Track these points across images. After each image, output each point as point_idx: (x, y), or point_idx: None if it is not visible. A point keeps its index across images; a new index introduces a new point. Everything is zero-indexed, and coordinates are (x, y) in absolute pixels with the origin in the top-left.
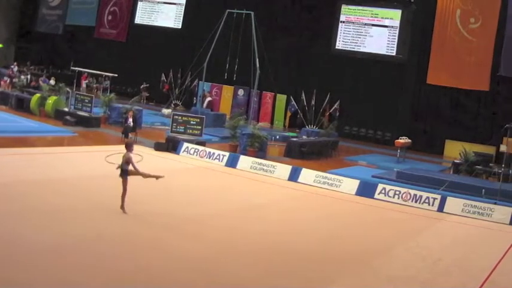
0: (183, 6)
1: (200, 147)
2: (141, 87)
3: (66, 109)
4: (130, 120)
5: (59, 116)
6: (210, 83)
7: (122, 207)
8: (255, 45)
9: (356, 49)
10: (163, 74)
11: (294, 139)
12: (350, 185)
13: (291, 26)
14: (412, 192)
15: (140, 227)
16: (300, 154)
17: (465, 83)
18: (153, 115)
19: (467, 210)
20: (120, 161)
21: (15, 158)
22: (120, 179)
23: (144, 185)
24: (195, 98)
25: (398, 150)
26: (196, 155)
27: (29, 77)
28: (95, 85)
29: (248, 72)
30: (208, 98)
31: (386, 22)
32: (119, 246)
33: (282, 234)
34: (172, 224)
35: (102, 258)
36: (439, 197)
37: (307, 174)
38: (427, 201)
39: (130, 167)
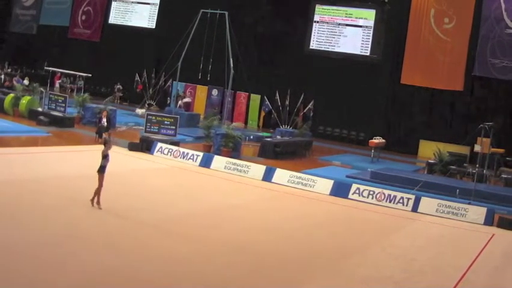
0: (157, 6)
1: (174, 147)
2: (115, 87)
3: (40, 109)
4: (104, 120)
5: (32, 116)
6: (184, 83)
7: (98, 202)
8: (229, 45)
9: (330, 49)
10: (137, 74)
11: (268, 139)
12: (324, 185)
13: (265, 26)
14: (386, 192)
15: (114, 227)
16: (274, 154)
17: (439, 83)
18: (127, 115)
19: (441, 211)
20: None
21: None
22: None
23: (119, 184)
24: (169, 98)
25: (373, 151)
26: (170, 155)
27: (2, 77)
28: (68, 85)
29: (222, 72)
30: (186, 99)
31: (361, 22)
32: (93, 246)
33: (256, 234)
34: (146, 223)
35: (77, 257)
36: (413, 197)
37: (281, 175)
38: (401, 201)
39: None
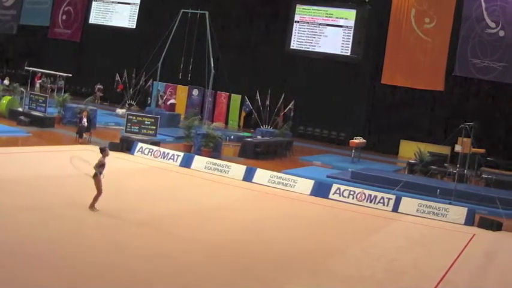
0: (138, 6)
1: (154, 148)
2: (96, 87)
3: (20, 109)
4: (85, 120)
5: (13, 116)
6: (165, 83)
7: (92, 206)
8: (210, 45)
9: (311, 49)
10: (117, 74)
11: (249, 139)
12: (305, 185)
13: (246, 26)
14: (367, 192)
15: (95, 227)
16: (254, 154)
17: (420, 83)
18: (107, 115)
19: (422, 211)
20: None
21: None
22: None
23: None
24: (149, 98)
25: (353, 151)
26: (151, 155)
27: None
28: (49, 85)
29: (203, 72)
30: (172, 101)
31: (341, 22)
32: (75, 246)
33: (236, 234)
34: (127, 223)
35: (60, 256)
36: (393, 197)
37: (262, 175)
38: (381, 201)
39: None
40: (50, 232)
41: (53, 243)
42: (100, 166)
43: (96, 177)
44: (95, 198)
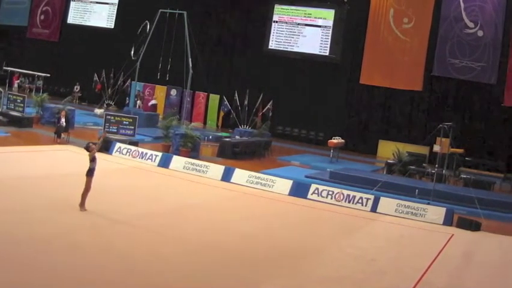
0: (116, 6)
1: (133, 148)
2: (75, 88)
3: None
4: (63, 120)
5: None
6: (143, 83)
7: (82, 204)
8: (188, 45)
9: (289, 49)
10: (95, 74)
11: (227, 139)
12: (283, 185)
13: (224, 26)
14: (346, 192)
15: (73, 228)
16: (232, 154)
17: (398, 83)
18: (85, 115)
19: (400, 211)
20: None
21: None
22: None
23: (77, 185)
24: (127, 98)
25: (332, 151)
26: (129, 155)
27: None
28: (27, 85)
29: (181, 72)
30: (153, 102)
31: (320, 22)
32: (53, 246)
33: (214, 234)
34: (105, 224)
35: (37, 258)
36: (372, 197)
37: (240, 175)
38: (360, 201)
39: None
40: (30, 233)
41: (34, 244)
42: (92, 160)
43: (89, 174)
44: (83, 195)
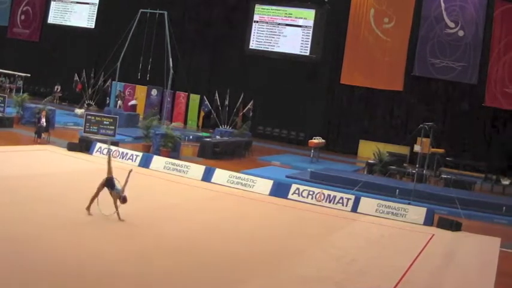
0: (96, 6)
1: (113, 147)
2: (55, 89)
3: None
4: (44, 120)
5: None
6: (124, 83)
7: (88, 208)
8: (168, 45)
9: (270, 49)
10: (76, 74)
11: (208, 139)
12: (264, 185)
13: (205, 26)
14: (326, 192)
15: (52, 228)
16: (213, 154)
17: (379, 83)
18: (66, 115)
19: (381, 211)
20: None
21: None
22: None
23: (57, 185)
24: (108, 98)
25: (312, 151)
26: None
27: None
28: (7, 85)
29: (161, 72)
30: (133, 102)
31: (300, 22)
32: (31, 248)
33: (195, 234)
34: (84, 223)
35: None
36: (353, 197)
37: (221, 175)
38: (340, 201)
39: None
40: (9, 232)
41: (11, 245)
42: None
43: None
44: (92, 199)
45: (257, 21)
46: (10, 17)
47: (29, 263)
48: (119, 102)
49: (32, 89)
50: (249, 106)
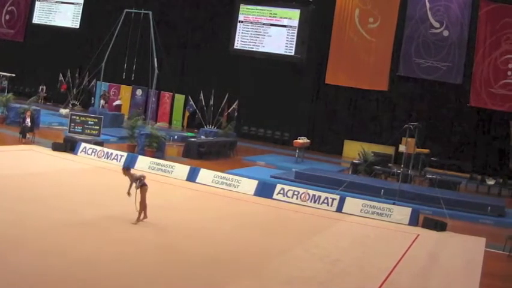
0: (81, 6)
1: (98, 148)
2: (40, 89)
3: None
4: (28, 120)
5: None
6: (108, 83)
7: (144, 217)
8: (153, 45)
9: (255, 49)
10: (61, 74)
11: (192, 139)
12: (248, 185)
13: (190, 26)
14: (311, 192)
15: (35, 230)
16: (198, 154)
17: (364, 83)
18: (51, 115)
19: (366, 211)
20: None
21: None
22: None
23: (42, 185)
24: (93, 98)
25: (297, 151)
26: (94, 155)
27: None
28: None
29: (146, 72)
30: (117, 102)
31: (285, 22)
32: (12, 250)
33: (180, 234)
34: (70, 224)
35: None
36: (337, 197)
37: (206, 175)
38: (325, 201)
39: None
40: None
41: None
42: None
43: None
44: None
45: (242, 21)
46: None
47: (13, 265)
48: (101, 102)
49: (17, 89)
50: (234, 106)
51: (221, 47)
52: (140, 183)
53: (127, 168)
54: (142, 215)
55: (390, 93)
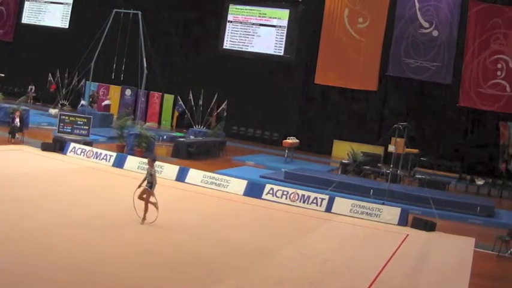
0: (70, 6)
1: (87, 148)
2: (29, 89)
3: None
4: (17, 120)
5: None
6: (97, 83)
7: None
8: (142, 44)
9: (244, 49)
10: (50, 74)
11: (182, 139)
12: (238, 185)
13: (179, 26)
14: (300, 192)
15: (24, 230)
16: (187, 154)
17: (353, 83)
18: (40, 115)
19: (355, 211)
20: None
21: None
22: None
23: (31, 185)
24: (82, 98)
25: (286, 151)
26: (83, 155)
27: None
28: None
29: (135, 72)
30: (106, 102)
31: (274, 22)
32: (3, 248)
33: (169, 234)
34: (58, 224)
35: None
36: (327, 197)
37: (195, 175)
38: (315, 201)
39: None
40: None
41: None
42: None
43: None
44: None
45: (231, 21)
46: None
47: (3, 265)
48: (83, 101)
49: (6, 89)
50: (223, 106)
51: (210, 47)
52: (151, 185)
53: (153, 160)
54: (142, 216)
55: (379, 93)
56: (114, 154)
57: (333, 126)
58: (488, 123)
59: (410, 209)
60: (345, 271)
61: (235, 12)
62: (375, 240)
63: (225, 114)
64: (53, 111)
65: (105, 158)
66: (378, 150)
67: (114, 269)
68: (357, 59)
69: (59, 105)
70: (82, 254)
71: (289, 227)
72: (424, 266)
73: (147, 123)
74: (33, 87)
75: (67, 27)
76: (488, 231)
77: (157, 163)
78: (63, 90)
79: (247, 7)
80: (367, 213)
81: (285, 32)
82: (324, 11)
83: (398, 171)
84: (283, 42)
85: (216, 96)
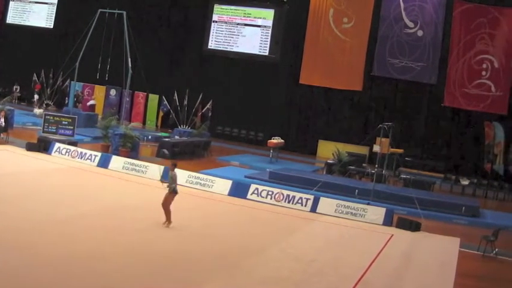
0: (55, 6)
1: (72, 148)
2: (14, 89)
3: None
4: (2, 120)
5: None
6: (82, 83)
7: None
8: (127, 44)
9: (229, 49)
10: (35, 74)
11: (166, 139)
12: (223, 185)
13: (164, 26)
14: (285, 192)
15: (7, 229)
16: (172, 154)
17: (338, 83)
18: (25, 115)
19: (340, 211)
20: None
21: None
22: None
23: (15, 185)
24: (66, 98)
25: (271, 151)
26: (68, 155)
27: None
28: None
29: (120, 72)
30: (91, 102)
31: (259, 22)
32: None
33: (154, 234)
34: (41, 224)
35: None
36: (312, 197)
37: (180, 175)
38: (300, 201)
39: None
40: None
41: None
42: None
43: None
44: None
45: (216, 21)
46: None
47: None
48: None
49: None
50: (207, 106)
51: (195, 47)
52: (174, 189)
53: (174, 165)
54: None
55: (364, 93)
56: (99, 154)
57: (318, 126)
58: (474, 123)
59: (395, 209)
60: (330, 271)
61: (220, 12)
62: (360, 240)
63: (210, 114)
64: (37, 111)
65: (90, 158)
66: (363, 150)
67: (98, 269)
68: (341, 59)
69: (44, 105)
70: (66, 253)
71: (274, 227)
72: (409, 266)
73: (132, 123)
74: (18, 87)
75: (52, 27)
76: (473, 231)
77: (142, 163)
78: (48, 90)
79: (232, 7)
80: (352, 213)
81: (270, 32)
82: (309, 11)
83: (383, 171)
84: (268, 42)
85: (201, 96)
